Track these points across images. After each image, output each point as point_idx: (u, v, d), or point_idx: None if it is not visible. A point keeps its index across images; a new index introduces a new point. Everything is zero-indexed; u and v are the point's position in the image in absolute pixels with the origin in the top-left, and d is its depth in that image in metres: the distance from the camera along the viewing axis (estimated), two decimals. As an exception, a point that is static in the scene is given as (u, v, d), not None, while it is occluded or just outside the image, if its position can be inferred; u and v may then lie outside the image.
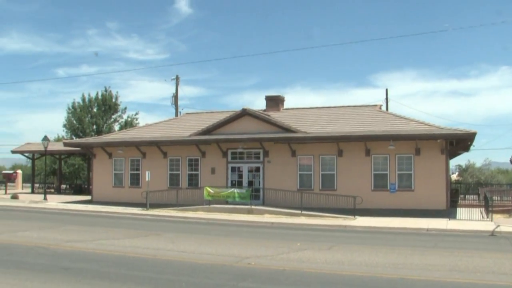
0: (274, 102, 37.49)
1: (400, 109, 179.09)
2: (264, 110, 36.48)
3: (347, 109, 36.12)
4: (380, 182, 29.64)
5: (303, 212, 27.72)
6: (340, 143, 30.17)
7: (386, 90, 51.93)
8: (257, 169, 32.62)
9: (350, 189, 29.24)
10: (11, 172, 56.13)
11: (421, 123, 30.48)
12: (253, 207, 29.11)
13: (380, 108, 37.18)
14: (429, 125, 29.67)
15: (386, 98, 51.77)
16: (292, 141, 30.99)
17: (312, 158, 31.19)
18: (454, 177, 57.36)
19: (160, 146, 34.57)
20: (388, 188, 29.39)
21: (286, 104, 38.73)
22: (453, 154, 32.54)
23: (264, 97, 37.86)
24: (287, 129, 31.37)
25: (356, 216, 26.58)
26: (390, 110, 47.89)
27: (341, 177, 30.38)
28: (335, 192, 29.71)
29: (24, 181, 60.00)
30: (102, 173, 37.26)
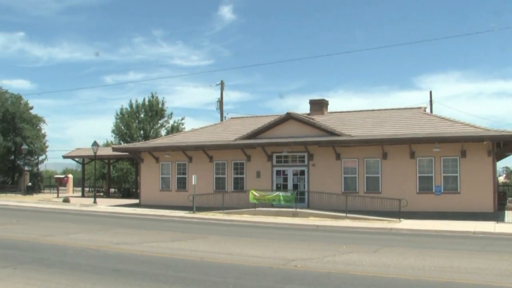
0: (318, 105, 37.30)
1: (445, 111, 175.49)
2: (308, 114, 36.35)
3: (391, 112, 35.67)
4: (425, 185, 29.12)
5: (348, 215, 27.46)
6: (384, 146, 29.79)
7: (430, 92, 51.34)
8: (302, 173, 32.50)
9: (394, 191, 28.83)
10: (62, 176, 57.54)
11: (466, 125, 29.83)
12: (298, 210, 29.00)
13: (425, 111, 36.58)
14: (475, 127, 29.00)
15: (430, 100, 50.92)
16: (336, 144, 30.75)
17: (356, 161, 30.89)
18: (501, 179, 55.86)
19: (206, 150, 34.81)
20: (434, 190, 28.84)
21: (330, 108, 38.59)
22: (500, 156, 31.67)
23: (308, 101, 37.93)
24: (332, 133, 31.18)
25: (401, 219, 26.17)
26: (434, 112, 47.09)
27: (385, 179, 29.99)
28: (380, 195, 29.35)
29: (74, 185, 61.33)
30: (149, 177, 37.76)
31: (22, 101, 60.28)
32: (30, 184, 56.36)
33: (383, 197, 28.65)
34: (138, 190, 41.41)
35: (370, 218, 26.77)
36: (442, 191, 28.70)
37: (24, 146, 53.55)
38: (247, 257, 13.97)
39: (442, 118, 32.19)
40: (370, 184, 30.42)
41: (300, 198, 31.38)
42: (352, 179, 31.00)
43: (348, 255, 14.60)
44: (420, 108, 36.46)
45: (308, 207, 30.79)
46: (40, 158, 62.13)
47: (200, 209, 31.37)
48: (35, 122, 60.52)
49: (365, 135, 30.65)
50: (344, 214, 27.59)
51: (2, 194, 49.93)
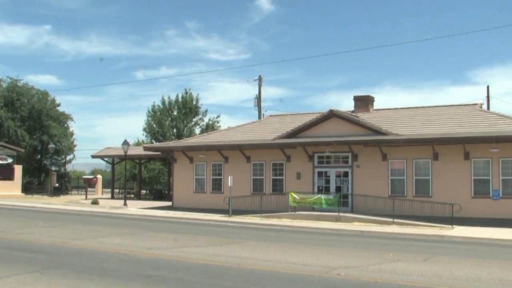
0: (363, 102, 37.07)
1: (503, 107, 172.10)
2: (352, 111, 36.17)
3: (443, 109, 35.18)
4: (481, 189, 28.62)
5: (395, 220, 27.22)
6: (435, 146, 29.39)
7: (488, 87, 49.88)
8: (345, 174, 32.36)
9: (446, 195, 28.43)
10: (91, 177, 58.33)
11: (528, 122, 29.20)
12: (341, 214, 28.89)
13: (481, 107, 35.95)
14: (538, 125, 28.37)
15: (488, 96, 49.78)
16: (383, 144, 30.49)
17: (404, 162, 30.58)
18: None
19: (243, 150, 34.93)
20: (491, 195, 28.32)
21: (376, 105, 38.34)
22: None
23: (352, 98, 37.77)
24: (378, 131, 30.94)
25: (454, 226, 25.78)
26: (491, 109, 46.12)
27: (436, 182, 29.59)
28: (430, 199, 28.98)
29: (104, 186, 62.24)
30: (183, 178, 38.09)
31: (49, 98, 61.36)
32: (57, 185, 57.43)
33: (434, 202, 28.26)
34: (171, 192, 41.83)
35: (419, 224, 26.46)
36: (501, 195, 28.14)
37: (51, 145, 54.18)
38: (286, 264, 13.95)
39: (501, 116, 31.56)
40: (420, 187, 30.08)
41: (343, 202, 31.24)
42: (400, 181, 30.70)
43: (395, 264, 14.45)
44: (475, 104, 35.85)
45: (352, 211, 30.62)
46: (68, 157, 63.38)
47: (236, 212, 31.48)
48: (62, 119, 61.52)
49: (414, 134, 30.33)
50: (390, 219, 27.35)
51: (28, 196, 51.07)
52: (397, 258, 15.66)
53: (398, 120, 34.04)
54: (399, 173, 30.85)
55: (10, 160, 50.04)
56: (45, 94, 61.04)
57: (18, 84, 60.01)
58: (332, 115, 32.83)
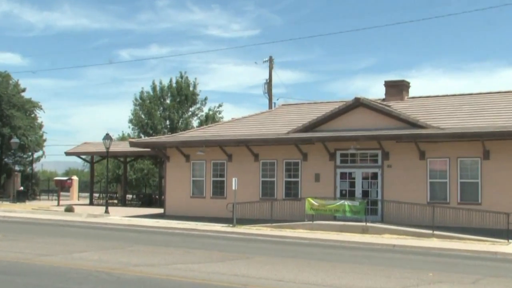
0: (396, 89, 37.00)
1: None
2: (383, 100, 36.15)
3: (496, 97, 35.06)
4: (545, 195, 28.51)
5: (435, 232, 27.13)
6: (486, 141, 29.29)
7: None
8: (374, 176, 32.35)
9: (500, 203, 28.32)
10: (65, 178, 58.28)
11: None
12: (368, 224, 28.85)
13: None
14: None
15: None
16: (420, 139, 30.43)
17: (447, 162, 30.54)
18: None
19: (250, 146, 34.93)
20: (555, 202, 28.17)
21: (412, 92, 38.34)
22: None
23: (383, 83, 37.61)
24: (414, 124, 30.87)
25: (510, 240, 25.66)
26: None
27: (488, 186, 29.51)
28: (480, 207, 28.88)
29: (80, 190, 62.30)
30: (177, 180, 38.14)
31: (11, 81, 60.72)
32: (21, 188, 57.06)
33: (484, 210, 28.13)
34: (163, 197, 41.90)
35: (465, 237, 26.36)
36: None
37: (14, 140, 53.16)
38: (302, 285, 13.95)
39: None
40: (466, 192, 30.03)
41: (372, 209, 31.22)
42: (441, 185, 30.65)
43: (436, 286, 14.42)
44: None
45: (382, 220, 30.60)
46: (36, 155, 63.05)
47: (242, 221, 31.48)
48: (28, 108, 61.07)
49: (459, 127, 30.23)
50: (430, 231, 27.27)
51: (-17, 202, 50.74)
52: (438, 279, 15.61)
53: (440, 110, 33.95)
54: (440, 175, 30.77)
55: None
56: (6, 76, 60.33)
57: (-30, 63, 59.93)
58: (358, 104, 32.76)
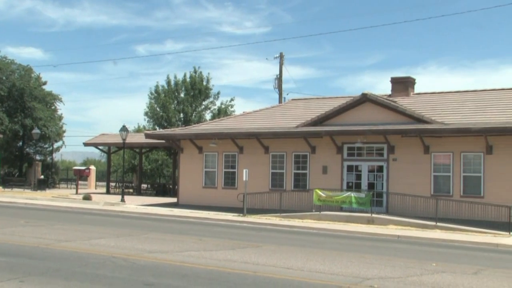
0: (402, 85, 36.86)
1: None
2: (389, 95, 36.01)
3: (499, 93, 34.84)
4: (545, 188, 28.36)
5: (439, 224, 27.12)
6: (489, 137, 29.12)
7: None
8: (380, 169, 32.26)
9: (502, 196, 28.20)
10: (83, 168, 58.17)
11: None
12: (374, 215, 28.87)
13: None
14: None
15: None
16: (425, 134, 30.31)
17: (451, 156, 30.39)
18: None
19: (261, 139, 34.90)
20: (559, 196, 28.02)
21: (417, 88, 38.16)
22: None
23: (389, 79, 37.51)
24: (419, 119, 30.76)
25: (511, 232, 25.58)
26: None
27: (490, 180, 29.36)
28: (482, 200, 28.76)
29: (97, 179, 62.43)
30: (190, 171, 38.16)
31: (33, 75, 60.72)
32: (42, 177, 57.32)
33: (487, 203, 28.04)
34: (176, 187, 41.92)
35: (468, 229, 26.32)
36: None
37: (36, 130, 53.08)
38: (310, 273, 13.92)
39: None
40: (469, 186, 29.88)
41: (377, 201, 31.16)
42: (445, 178, 30.53)
43: (439, 275, 14.36)
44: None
45: (387, 212, 30.54)
46: (55, 145, 63.12)
47: (252, 211, 31.52)
48: (49, 100, 61.07)
49: (463, 122, 30.08)
50: (433, 223, 27.25)
51: (6, 189, 50.63)
52: (441, 269, 15.57)
53: (444, 106, 33.78)
54: (444, 168, 30.64)
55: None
56: (28, 70, 60.36)
57: (-5, 57, 59.63)
58: (365, 99, 32.67)
